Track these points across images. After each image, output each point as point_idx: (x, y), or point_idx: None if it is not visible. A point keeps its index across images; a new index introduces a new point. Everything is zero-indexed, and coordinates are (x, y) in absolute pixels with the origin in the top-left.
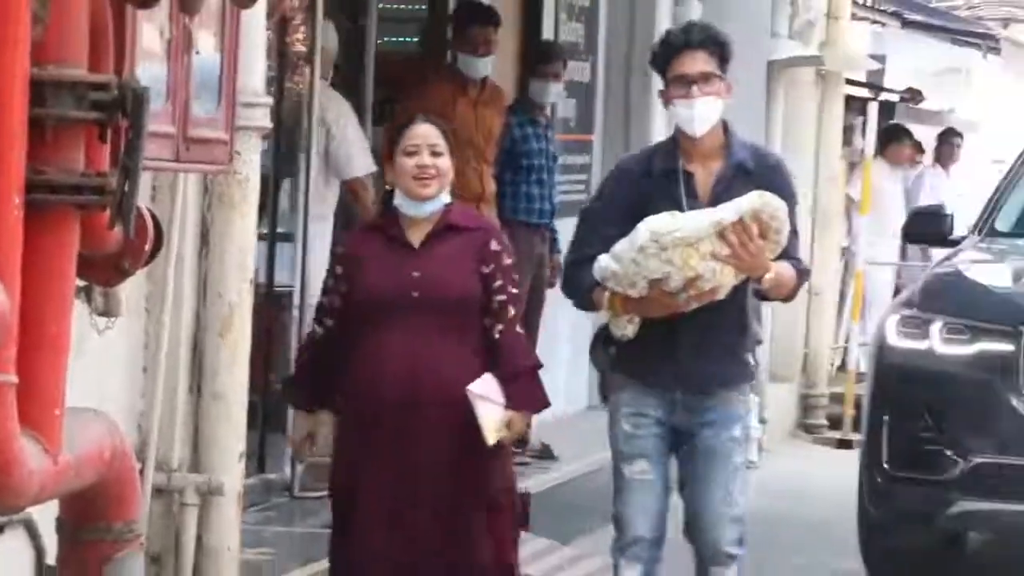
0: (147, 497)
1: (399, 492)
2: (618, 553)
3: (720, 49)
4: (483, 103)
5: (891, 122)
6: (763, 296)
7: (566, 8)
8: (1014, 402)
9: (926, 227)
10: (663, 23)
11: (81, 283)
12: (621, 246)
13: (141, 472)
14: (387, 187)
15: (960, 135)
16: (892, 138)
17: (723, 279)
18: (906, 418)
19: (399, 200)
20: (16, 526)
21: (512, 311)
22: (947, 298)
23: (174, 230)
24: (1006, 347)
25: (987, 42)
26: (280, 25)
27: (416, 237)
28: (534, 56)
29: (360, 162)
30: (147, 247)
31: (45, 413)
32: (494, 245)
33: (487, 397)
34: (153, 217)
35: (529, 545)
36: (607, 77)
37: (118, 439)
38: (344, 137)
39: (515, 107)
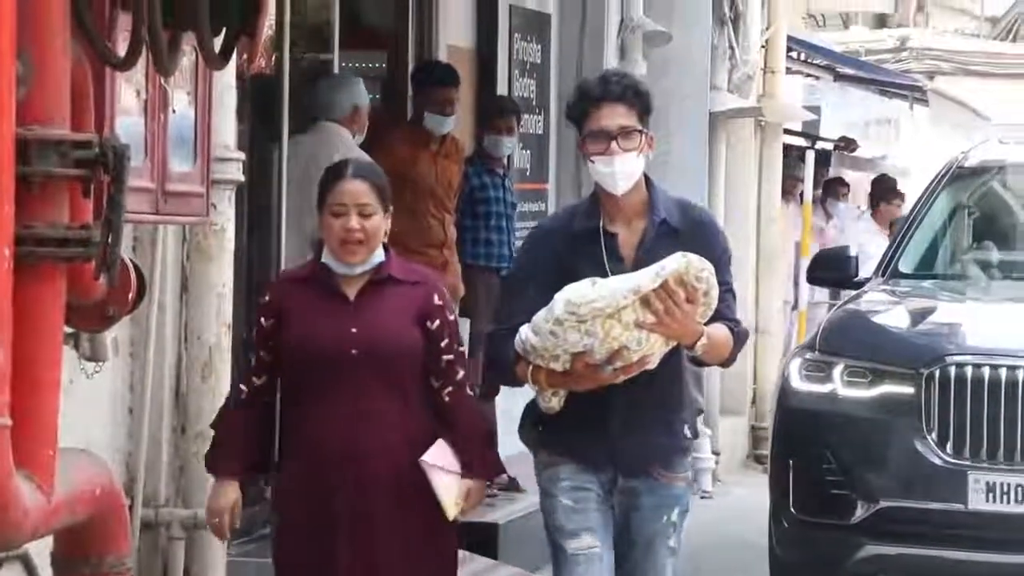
0: (136, 532)
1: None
2: None
3: (640, 100)
4: (443, 155)
5: (880, 176)
6: (698, 362)
7: (519, 65)
8: (917, 445)
9: (830, 269)
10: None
11: (69, 330)
12: (539, 317)
13: (129, 508)
14: (318, 235)
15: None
16: (883, 197)
17: (652, 348)
18: (811, 462)
19: (327, 258)
20: (13, 561)
21: (460, 371)
22: (849, 340)
23: (155, 279)
24: (908, 389)
25: (914, 94)
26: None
27: (351, 289)
28: (489, 111)
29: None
30: (131, 295)
31: (39, 454)
32: (437, 299)
33: (442, 467)
34: (135, 267)
35: (499, 573)
36: (559, 129)
37: (107, 477)
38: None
39: (473, 158)
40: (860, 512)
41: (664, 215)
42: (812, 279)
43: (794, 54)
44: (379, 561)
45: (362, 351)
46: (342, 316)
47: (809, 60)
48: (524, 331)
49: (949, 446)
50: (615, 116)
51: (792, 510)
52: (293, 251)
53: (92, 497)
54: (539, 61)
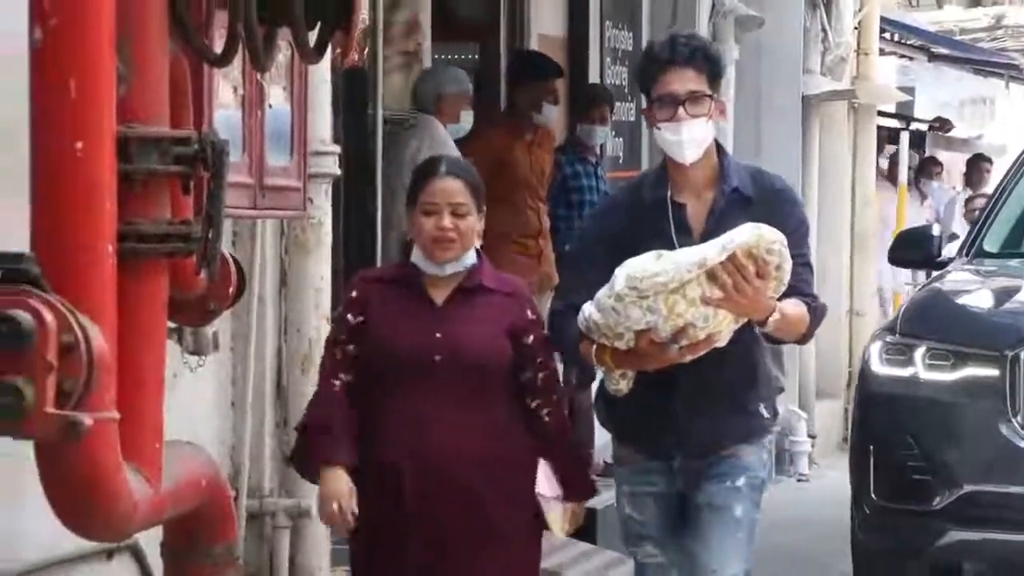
0: (242, 522)
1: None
2: None
3: (710, 65)
4: (536, 145)
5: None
6: (772, 339)
7: (610, 53)
8: (1002, 428)
9: (912, 249)
10: None
11: (172, 325)
12: (601, 293)
13: (235, 499)
14: (408, 237)
15: (989, 160)
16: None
17: (719, 325)
18: (892, 447)
19: (416, 257)
20: (123, 552)
21: (558, 390)
22: (930, 323)
23: (255, 273)
24: (991, 372)
25: (1009, 72)
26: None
27: (439, 294)
28: (582, 100)
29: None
30: (231, 289)
31: (145, 447)
32: (530, 314)
33: (551, 496)
34: (235, 261)
35: (597, 558)
36: None
37: (213, 469)
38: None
39: (566, 147)
40: (943, 497)
41: (736, 183)
42: (893, 260)
43: (887, 35)
44: (448, 568)
45: (446, 358)
46: (428, 320)
47: (903, 41)
48: (587, 308)
49: None
50: (683, 80)
51: (873, 496)
52: (389, 244)
53: (198, 488)
54: (630, 48)
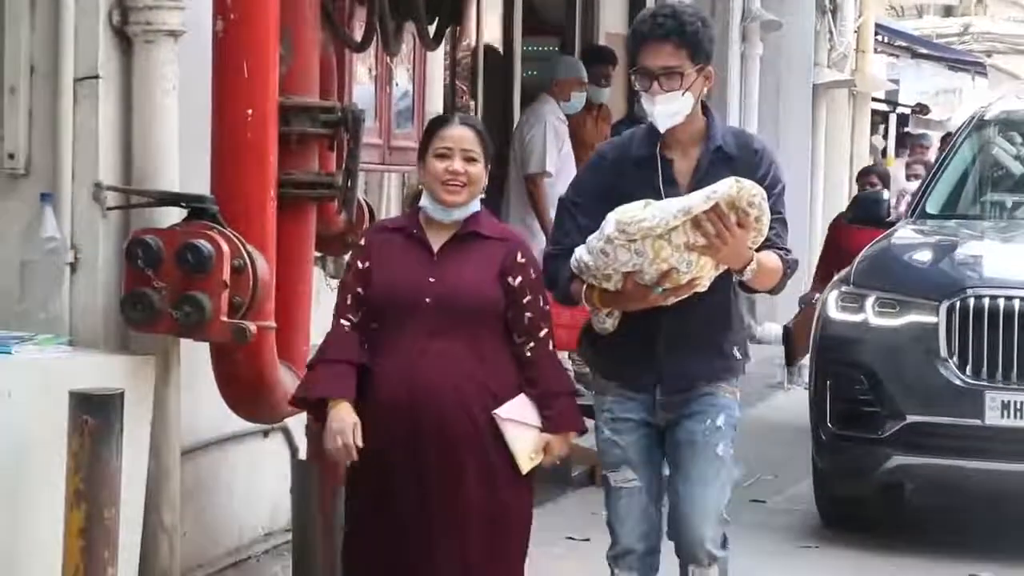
0: None
1: (411, 509)
2: (612, 563)
3: (689, 39)
4: (601, 119)
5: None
6: (746, 288)
7: None
8: (940, 368)
9: (866, 210)
10: (735, 55)
11: (318, 254)
12: (593, 237)
13: None
14: (418, 187)
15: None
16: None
17: (701, 271)
18: (846, 383)
19: (425, 202)
20: (276, 432)
21: (544, 328)
22: (879, 275)
23: (381, 214)
24: (931, 319)
25: (975, 68)
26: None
27: (437, 241)
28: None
29: (534, 160)
30: (364, 227)
31: (296, 349)
32: (520, 257)
33: (518, 420)
34: (368, 205)
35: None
36: None
37: None
38: (530, 138)
39: (624, 120)
40: (888, 427)
41: (720, 143)
42: (851, 219)
43: (880, 37)
44: (442, 498)
45: (435, 301)
46: (423, 265)
47: (891, 42)
48: (579, 251)
49: (968, 369)
50: (659, 56)
51: (829, 424)
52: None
53: None
54: None
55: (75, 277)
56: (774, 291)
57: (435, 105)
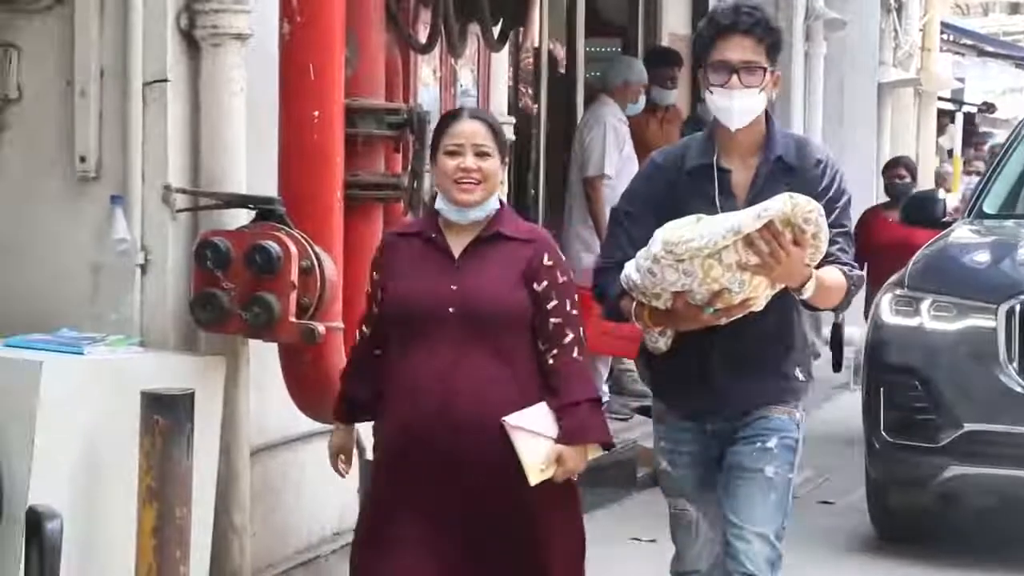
0: None
1: (437, 530)
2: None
3: (770, 37)
4: (667, 120)
5: None
6: (808, 306)
7: None
8: (998, 374)
9: (920, 210)
10: (798, 54)
11: None
12: (640, 255)
13: None
14: (434, 189)
15: None
16: None
17: (755, 291)
18: (900, 389)
19: (440, 204)
20: None
21: (570, 335)
22: (935, 277)
23: None
24: (988, 323)
25: None
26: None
27: (457, 245)
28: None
29: (593, 163)
30: None
31: None
32: (547, 259)
33: (529, 429)
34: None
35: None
36: None
37: None
38: (589, 140)
39: (688, 121)
40: (945, 436)
41: (780, 152)
42: (904, 219)
43: (945, 35)
44: (469, 512)
45: (459, 310)
46: (444, 272)
47: (957, 40)
48: (628, 266)
49: None
50: (742, 49)
51: (883, 433)
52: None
53: None
54: None
55: (145, 279)
56: (838, 309)
57: (499, 105)
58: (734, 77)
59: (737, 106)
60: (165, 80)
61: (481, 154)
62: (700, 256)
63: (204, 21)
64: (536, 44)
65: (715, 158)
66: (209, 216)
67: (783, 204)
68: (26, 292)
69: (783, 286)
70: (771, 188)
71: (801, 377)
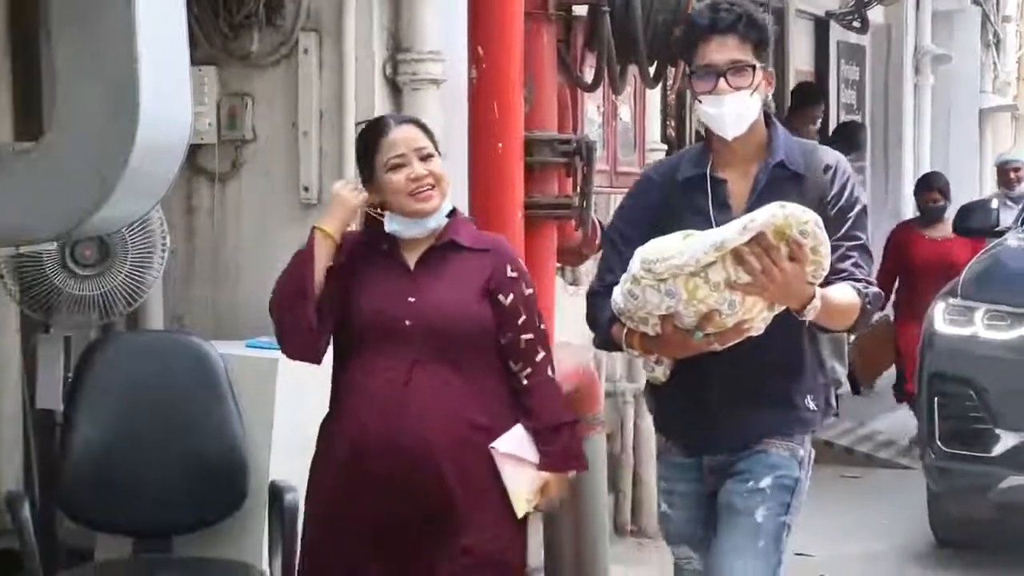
0: (602, 398)
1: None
2: None
3: (754, 32)
4: None
5: None
6: (819, 328)
7: (843, 81)
8: None
9: (973, 220)
10: (909, 86)
11: (558, 265)
12: (623, 276)
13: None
14: (370, 211)
15: None
16: None
17: (749, 312)
18: (955, 399)
19: (395, 226)
20: None
21: (542, 352)
22: (989, 286)
23: None
24: None
25: None
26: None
27: (412, 255)
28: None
29: None
30: (597, 242)
31: None
32: (510, 271)
33: (517, 455)
34: (599, 222)
35: None
36: (872, 121)
37: (586, 361)
38: None
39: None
40: (1002, 445)
41: (781, 157)
42: (956, 229)
43: None
44: (418, 548)
45: (417, 323)
46: (400, 283)
47: None
48: (616, 289)
49: None
50: (724, 50)
51: (938, 443)
52: None
53: (577, 374)
54: (857, 78)
55: None
56: (853, 330)
57: (652, 135)
58: (721, 81)
59: (729, 112)
60: None
61: (425, 156)
62: (682, 274)
63: (405, 69)
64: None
65: (708, 168)
66: None
67: (771, 215)
68: (263, 300)
69: (784, 307)
70: (773, 197)
71: (812, 407)
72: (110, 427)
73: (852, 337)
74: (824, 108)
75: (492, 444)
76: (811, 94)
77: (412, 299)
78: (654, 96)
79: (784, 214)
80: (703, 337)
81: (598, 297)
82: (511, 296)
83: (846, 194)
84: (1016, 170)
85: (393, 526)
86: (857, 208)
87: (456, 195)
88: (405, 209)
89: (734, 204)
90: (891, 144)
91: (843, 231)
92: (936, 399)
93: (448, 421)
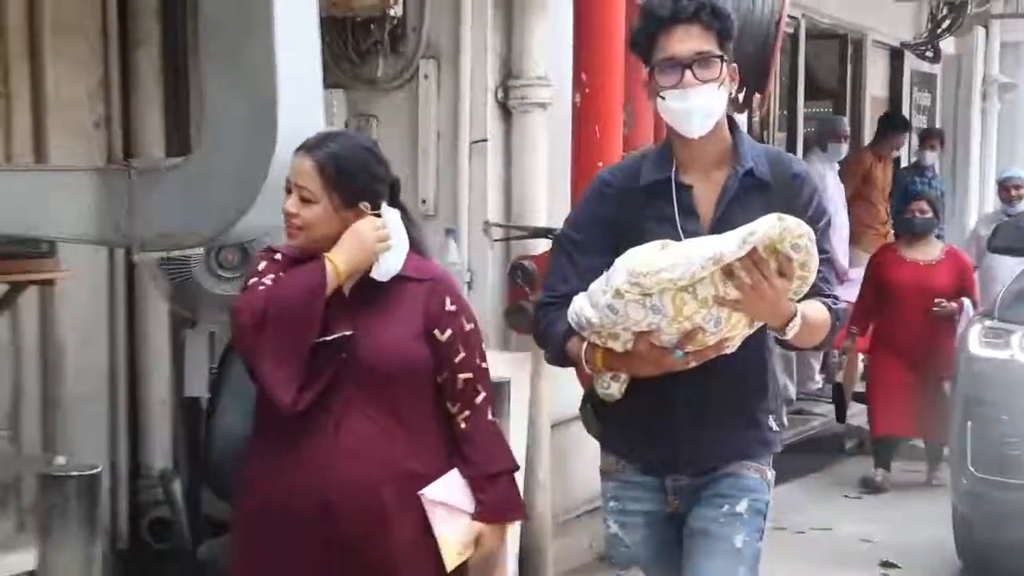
0: None
1: None
2: None
3: (718, 21)
4: (886, 166)
5: None
6: (786, 345)
7: (916, 107)
8: None
9: (1009, 238)
10: (976, 112)
11: None
12: (596, 286)
13: None
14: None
15: None
16: None
17: (733, 329)
18: (989, 424)
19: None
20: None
21: (482, 392)
22: None
23: None
24: None
25: None
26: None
27: (347, 282)
28: (920, 136)
29: None
30: None
31: None
32: (449, 304)
33: (449, 504)
34: None
35: (847, 463)
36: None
37: None
38: None
39: (911, 167)
40: None
41: (751, 165)
42: (992, 248)
43: None
44: None
45: (353, 357)
46: (332, 311)
47: None
48: (579, 301)
49: None
50: (689, 40)
51: (970, 468)
52: None
53: None
54: (929, 104)
55: (471, 292)
56: (820, 347)
57: None
58: (687, 74)
59: (695, 106)
60: (485, 140)
61: (304, 199)
62: (672, 290)
63: (515, 94)
64: (766, 105)
65: (672, 172)
66: (519, 244)
67: (770, 227)
68: None
69: (760, 324)
70: (741, 207)
71: (774, 427)
72: (249, 414)
73: (839, 374)
74: (909, 136)
75: (422, 491)
76: (898, 123)
77: (347, 332)
78: (742, 120)
79: (781, 227)
80: (682, 356)
81: (549, 309)
82: (448, 331)
83: (814, 204)
84: (1017, 187)
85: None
86: (824, 220)
87: (560, 207)
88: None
89: (702, 212)
90: (959, 166)
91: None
92: (969, 423)
93: (381, 466)
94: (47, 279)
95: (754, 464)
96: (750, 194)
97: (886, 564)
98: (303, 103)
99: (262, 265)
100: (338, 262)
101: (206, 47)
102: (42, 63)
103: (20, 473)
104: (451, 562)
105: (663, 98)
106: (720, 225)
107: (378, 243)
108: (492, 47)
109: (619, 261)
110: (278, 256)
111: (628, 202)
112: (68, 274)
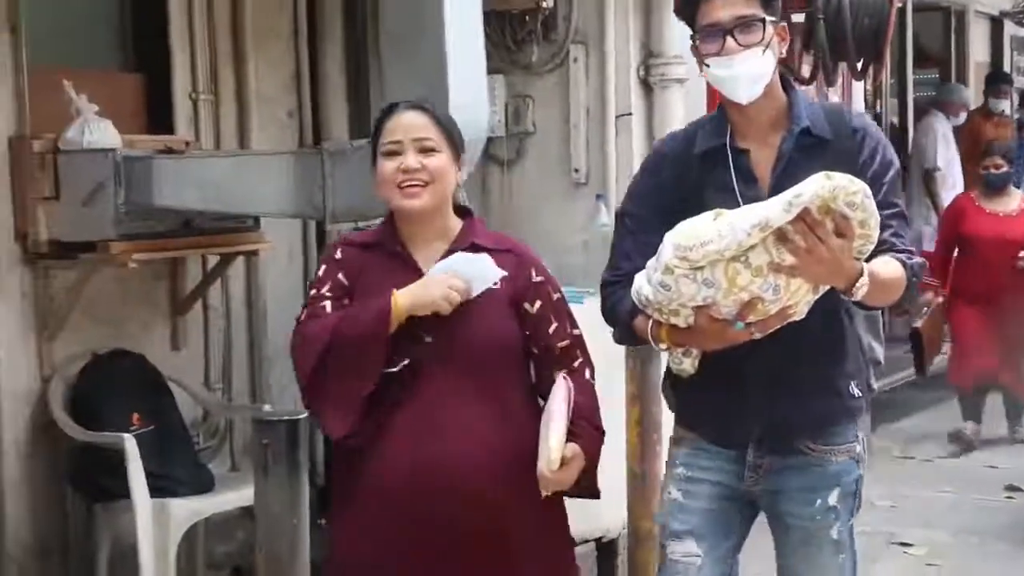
0: None
1: None
2: None
3: None
4: (1000, 125)
5: None
6: (862, 305)
7: (1016, 69)
8: None
9: None
10: None
11: None
12: (650, 265)
13: None
14: None
15: None
16: None
17: (794, 296)
18: None
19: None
20: None
21: (580, 357)
22: None
23: None
24: None
25: None
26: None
27: (425, 260)
28: (1020, 96)
29: (928, 158)
30: None
31: None
32: (535, 275)
33: (560, 411)
34: None
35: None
36: None
37: None
38: (924, 143)
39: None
40: None
41: (807, 123)
42: None
43: None
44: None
45: (439, 339)
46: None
47: None
48: (638, 279)
49: None
50: (729, 4)
51: None
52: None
53: None
54: None
55: None
56: (899, 305)
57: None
58: (729, 40)
59: (741, 73)
60: (629, 114)
61: (425, 149)
62: (722, 261)
63: (656, 71)
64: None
65: (728, 138)
66: None
67: (819, 187)
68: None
69: (828, 287)
70: (800, 167)
71: (857, 393)
72: None
73: (919, 319)
74: (1011, 86)
75: (546, 405)
76: (1002, 76)
77: (405, 361)
78: (859, 87)
79: (831, 186)
80: (744, 327)
81: (616, 287)
82: (538, 303)
83: (879, 158)
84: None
85: (443, 566)
86: (891, 172)
87: None
88: (391, 202)
89: (760, 175)
90: None
91: (879, 199)
92: None
93: (484, 447)
94: (252, 250)
95: (840, 447)
96: (809, 153)
97: (1011, 487)
98: (469, 88)
99: (323, 270)
100: (402, 306)
101: (387, 53)
102: (245, 62)
103: (233, 420)
104: (555, 462)
105: (707, 65)
106: (780, 187)
107: (442, 301)
108: (633, 31)
109: (668, 236)
110: (339, 255)
111: (685, 171)
112: (269, 245)
